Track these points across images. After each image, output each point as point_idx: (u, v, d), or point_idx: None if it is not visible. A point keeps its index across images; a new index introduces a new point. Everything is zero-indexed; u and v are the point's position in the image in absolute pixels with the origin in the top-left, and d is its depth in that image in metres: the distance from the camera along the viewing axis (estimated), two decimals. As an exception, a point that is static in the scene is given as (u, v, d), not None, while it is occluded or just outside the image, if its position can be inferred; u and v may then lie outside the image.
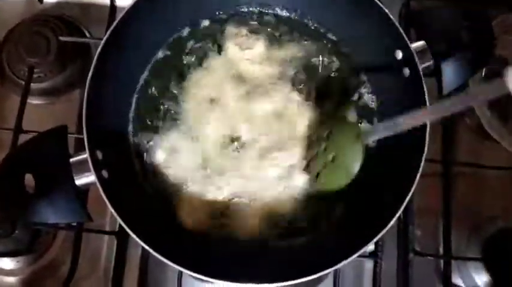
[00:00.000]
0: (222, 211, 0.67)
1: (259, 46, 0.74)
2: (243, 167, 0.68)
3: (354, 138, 0.60)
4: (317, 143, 0.65)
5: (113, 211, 0.55)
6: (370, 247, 0.73)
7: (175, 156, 0.69)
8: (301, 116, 0.70)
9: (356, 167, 0.60)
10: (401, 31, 0.62)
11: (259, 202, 0.67)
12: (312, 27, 0.76)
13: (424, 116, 0.56)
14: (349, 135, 0.61)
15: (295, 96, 0.71)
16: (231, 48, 0.74)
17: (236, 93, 0.71)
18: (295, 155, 0.68)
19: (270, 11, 0.77)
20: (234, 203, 0.67)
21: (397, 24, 0.63)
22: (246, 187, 0.68)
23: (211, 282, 0.56)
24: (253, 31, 0.75)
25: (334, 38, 0.75)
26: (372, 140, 0.62)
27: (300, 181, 0.68)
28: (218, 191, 0.67)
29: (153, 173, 0.68)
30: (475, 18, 0.66)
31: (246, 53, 0.73)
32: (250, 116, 0.70)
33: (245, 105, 0.70)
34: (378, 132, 0.59)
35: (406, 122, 0.55)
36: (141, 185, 0.67)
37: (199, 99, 0.71)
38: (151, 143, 0.70)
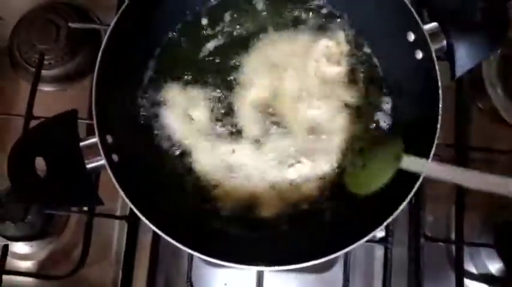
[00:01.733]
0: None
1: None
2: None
3: (392, 157, 0.60)
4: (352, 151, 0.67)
5: (123, 194, 0.56)
6: (381, 232, 0.72)
7: (188, 137, 0.69)
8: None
9: (378, 184, 0.60)
10: (414, 12, 0.61)
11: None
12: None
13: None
14: (389, 153, 0.61)
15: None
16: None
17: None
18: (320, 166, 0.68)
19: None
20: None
21: (409, 5, 0.61)
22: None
23: (222, 265, 0.56)
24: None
25: (346, 18, 0.74)
26: (411, 169, 0.59)
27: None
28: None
29: (164, 157, 0.69)
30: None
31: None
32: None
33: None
34: (416, 167, 0.58)
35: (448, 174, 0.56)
36: (151, 169, 0.67)
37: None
38: (162, 125, 0.70)
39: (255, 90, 0.70)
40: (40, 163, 0.56)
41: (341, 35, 0.73)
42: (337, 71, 0.71)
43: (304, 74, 0.71)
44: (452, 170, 0.57)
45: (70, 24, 0.79)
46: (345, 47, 0.72)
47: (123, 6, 0.62)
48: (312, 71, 0.71)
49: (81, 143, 0.57)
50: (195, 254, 0.56)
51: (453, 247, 0.74)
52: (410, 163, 0.58)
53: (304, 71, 0.71)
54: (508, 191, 0.52)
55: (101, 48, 0.59)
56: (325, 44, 0.71)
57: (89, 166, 0.57)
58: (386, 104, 0.71)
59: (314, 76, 0.71)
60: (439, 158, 0.59)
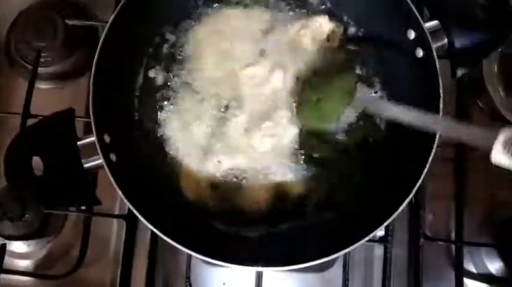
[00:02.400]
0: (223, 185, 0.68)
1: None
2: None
3: (345, 90, 0.62)
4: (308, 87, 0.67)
5: (121, 194, 0.55)
6: (380, 232, 0.72)
7: (183, 134, 0.69)
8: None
9: (334, 117, 0.63)
10: (414, 10, 0.60)
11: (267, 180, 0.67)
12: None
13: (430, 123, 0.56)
14: (341, 87, 0.63)
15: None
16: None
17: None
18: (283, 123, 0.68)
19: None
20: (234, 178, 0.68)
21: (409, 2, 0.61)
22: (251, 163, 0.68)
23: (220, 265, 0.55)
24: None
25: (345, 17, 0.73)
26: (362, 105, 0.63)
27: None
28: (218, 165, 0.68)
29: (161, 156, 0.68)
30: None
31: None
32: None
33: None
34: (369, 102, 0.60)
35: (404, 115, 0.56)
36: (149, 168, 0.67)
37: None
38: (159, 122, 0.69)
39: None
40: (37, 161, 0.56)
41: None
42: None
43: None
44: (405, 111, 0.57)
45: (67, 21, 0.78)
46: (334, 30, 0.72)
47: (122, 3, 0.61)
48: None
49: (79, 142, 0.57)
50: (193, 254, 0.55)
51: (453, 247, 0.74)
52: (362, 96, 0.61)
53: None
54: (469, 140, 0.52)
55: (99, 46, 0.59)
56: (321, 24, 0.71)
57: (86, 165, 0.56)
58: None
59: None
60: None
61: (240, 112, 0.69)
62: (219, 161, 0.67)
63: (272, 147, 0.68)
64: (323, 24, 0.71)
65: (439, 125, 0.55)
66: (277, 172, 0.68)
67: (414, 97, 0.64)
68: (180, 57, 0.72)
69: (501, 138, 0.44)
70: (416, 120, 0.56)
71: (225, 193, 0.67)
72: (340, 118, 0.66)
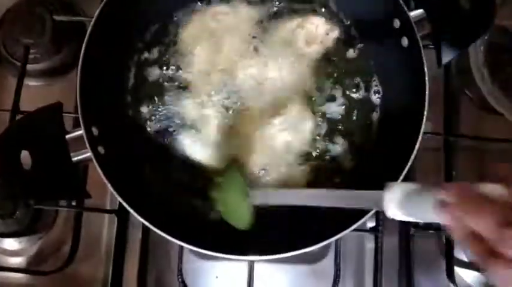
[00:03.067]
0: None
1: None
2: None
3: (240, 197, 0.59)
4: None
5: (109, 186, 0.55)
6: (371, 222, 0.72)
7: (175, 125, 0.69)
8: None
9: (244, 222, 0.59)
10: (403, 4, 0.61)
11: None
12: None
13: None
14: (236, 193, 0.59)
15: None
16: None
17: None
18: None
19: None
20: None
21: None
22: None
23: (213, 258, 0.56)
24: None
25: (332, 6, 0.73)
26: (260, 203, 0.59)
27: None
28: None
29: (151, 147, 0.68)
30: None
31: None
32: None
33: None
34: (265, 198, 0.58)
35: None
36: (138, 160, 0.67)
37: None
38: (149, 114, 0.69)
39: None
40: (25, 156, 0.56)
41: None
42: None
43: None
44: (297, 194, 0.58)
45: (55, 17, 0.78)
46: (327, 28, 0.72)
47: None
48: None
49: (67, 136, 0.57)
50: (185, 245, 0.56)
51: (443, 236, 0.74)
52: (256, 197, 0.58)
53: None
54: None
55: (85, 39, 0.59)
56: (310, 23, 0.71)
57: (75, 158, 0.56)
58: (376, 93, 0.71)
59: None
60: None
61: (244, 109, 0.69)
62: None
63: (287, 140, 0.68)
64: (319, 26, 0.71)
65: (323, 198, 0.55)
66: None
67: (402, 86, 0.65)
68: (172, 52, 0.72)
69: (387, 197, 0.45)
70: (307, 201, 0.56)
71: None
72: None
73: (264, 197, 0.58)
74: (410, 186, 0.45)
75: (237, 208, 0.60)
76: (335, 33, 0.72)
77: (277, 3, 0.74)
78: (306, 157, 0.69)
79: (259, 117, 0.69)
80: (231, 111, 0.69)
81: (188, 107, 0.70)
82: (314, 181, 0.68)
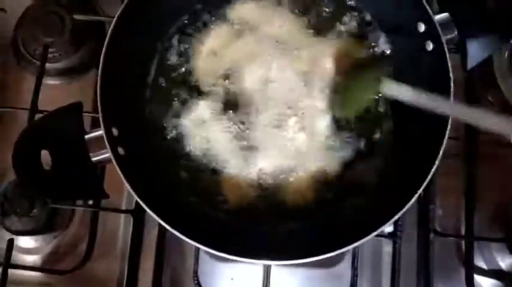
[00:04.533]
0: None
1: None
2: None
3: (372, 79, 0.63)
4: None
5: (129, 187, 0.55)
6: (390, 227, 0.72)
7: (197, 129, 0.68)
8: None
9: (361, 105, 0.66)
10: (424, 2, 0.60)
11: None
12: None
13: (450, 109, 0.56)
14: (369, 75, 0.65)
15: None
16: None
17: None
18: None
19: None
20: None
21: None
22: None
23: (228, 260, 0.55)
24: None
25: (354, 4, 0.72)
26: (389, 94, 0.62)
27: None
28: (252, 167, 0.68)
29: (170, 149, 0.68)
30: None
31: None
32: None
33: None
34: (399, 91, 0.60)
35: (430, 102, 0.56)
36: (157, 161, 0.67)
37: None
38: (169, 116, 0.69)
39: None
40: (45, 155, 0.56)
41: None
42: None
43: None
44: (435, 100, 0.57)
45: (74, 16, 0.78)
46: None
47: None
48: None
49: (87, 136, 0.56)
50: (202, 247, 0.55)
51: (463, 242, 0.73)
52: (390, 86, 0.62)
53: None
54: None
55: (107, 39, 0.58)
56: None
57: (94, 158, 0.56)
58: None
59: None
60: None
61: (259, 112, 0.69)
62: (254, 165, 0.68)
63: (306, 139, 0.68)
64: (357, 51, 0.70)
65: (462, 112, 0.56)
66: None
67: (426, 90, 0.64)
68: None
69: None
70: (437, 107, 0.56)
71: (237, 188, 0.67)
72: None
73: (397, 89, 0.60)
74: None
75: (365, 85, 0.65)
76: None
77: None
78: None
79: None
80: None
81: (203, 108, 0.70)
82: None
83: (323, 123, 0.68)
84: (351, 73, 0.68)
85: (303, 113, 0.68)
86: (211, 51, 0.71)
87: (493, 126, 0.51)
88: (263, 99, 0.69)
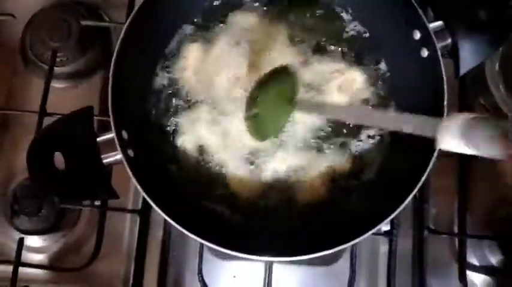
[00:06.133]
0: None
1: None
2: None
3: (285, 101, 0.60)
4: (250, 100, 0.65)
5: (140, 188, 0.57)
6: (386, 225, 0.74)
7: (201, 132, 0.71)
8: None
9: (275, 129, 0.63)
10: (420, 11, 0.63)
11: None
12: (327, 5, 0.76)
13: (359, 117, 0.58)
14: (280, 97, 0.61)
15: None
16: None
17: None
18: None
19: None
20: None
21: (414, 3, 0.63)
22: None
23: (231, 257, 0.57)
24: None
25: (349, 17, 0.75)
26: (304, 112, 0.62)
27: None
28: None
29: (177, 150, 0.70)
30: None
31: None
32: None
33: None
34: (310, 109, 0.60)
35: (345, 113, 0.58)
36: (165, 162, 0.69)
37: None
38: (177, 120, 0.71)
39: None
40: (58, 158, 0.58)
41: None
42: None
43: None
44: (346, 110, 0.59)
45: (81, 22, 0.80)
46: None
47: (142, 1, 0.63)
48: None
49: (98, 139, 0.59)
50: (206, 243, 0.57)
51: (456, 240, 0.76)
52: (303, 105, 0.60)
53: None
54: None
55: (118, 44, 0.60)
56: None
57: (106, 160, 0.58)
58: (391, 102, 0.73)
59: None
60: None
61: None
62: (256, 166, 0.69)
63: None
64: (356, 79, 0.72)
65: (382, 119, 0.55)
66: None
67: (419, 97, 0.67)
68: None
69: (444, 125, 0.44)
70: (358, 119, 0.57)
71: (241, 186, 0.70)
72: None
73: (310, 106, 0.60)
74: (470, 116, 0.42)
75: (277, 111, 0.61)
76: (368, 92, 0.73)
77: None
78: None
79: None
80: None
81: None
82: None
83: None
84: (262, 98, 0.63)
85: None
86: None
87: (415, 130, 0.50)
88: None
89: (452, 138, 0.43)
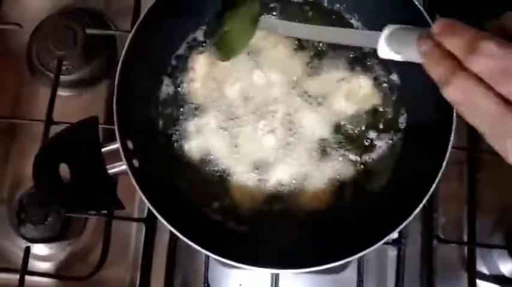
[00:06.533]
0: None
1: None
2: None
3: (250, 19, 0.67)
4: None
5: (144, 198, 0.57)
6: (394, 234, 0.73)
7: (206, 142, 0.70)
8: None
9: (241, 47, 0.68)
10: (426, 16, 0.62)
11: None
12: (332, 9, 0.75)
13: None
14: (245, 16, 0.67)
15: None
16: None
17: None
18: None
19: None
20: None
21: (421, 8, 0.62)
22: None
23: (237, 267, 0.57)
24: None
25: (356, 22, 0.74)
26: (267, 30, 0.68)
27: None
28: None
29: (182, 160, 0.70)
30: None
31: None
32: None
33: None
34: (272, 27, 0.66)
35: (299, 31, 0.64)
36: (170, 172, 0.69)
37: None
38: (182, 129, 0.71)
39: None
40: (64, 168, 0.58)
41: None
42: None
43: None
44: (305, 28, 0.64)
45: (86, 30, 0.80)
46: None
47: (147, 10, 0.63)
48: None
49: (103, 149, 0.59)
50: (212, 255, 0.57)
51: (465, 248, 0.75)
52: (266, 23, 0.67)
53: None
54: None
55: (122, 54, 0.60)
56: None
57: (111, 171, 0.58)
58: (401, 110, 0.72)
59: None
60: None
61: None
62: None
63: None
64: (363, 86, 0.71)
65: (326, 34, 0.61)
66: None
67: (428, 102, 0.66)
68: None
69: (384, 35, 0.48)
70: (309, 35, 0.64)
71: (247, 195, 0.69)
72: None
73: (272, 24, 0.67)
74: (397, 26, 0.48)
75: (243, 27, 0.67)
76: (375, 99, 0.72)
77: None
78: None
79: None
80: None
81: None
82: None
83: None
84: (229, 17, 0.69)
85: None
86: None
87: (358, 42, 0.57)
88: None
89: (385, 46, 0.48)
